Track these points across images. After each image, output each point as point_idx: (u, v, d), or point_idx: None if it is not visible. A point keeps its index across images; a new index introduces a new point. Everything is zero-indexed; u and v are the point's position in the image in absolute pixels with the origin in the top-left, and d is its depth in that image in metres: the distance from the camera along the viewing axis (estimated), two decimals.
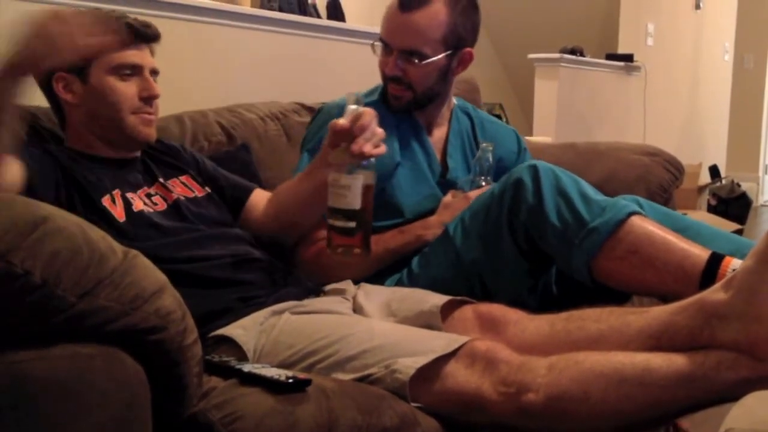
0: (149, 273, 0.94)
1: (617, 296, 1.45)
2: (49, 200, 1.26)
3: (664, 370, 1.09)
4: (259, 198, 1.67)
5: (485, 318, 1.33)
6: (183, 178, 1.59)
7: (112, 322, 0.88)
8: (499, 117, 4.07)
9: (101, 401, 0.85)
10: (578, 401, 1.10)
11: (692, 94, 6.02)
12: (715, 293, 1.12)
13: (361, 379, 1.19)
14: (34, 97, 1.55)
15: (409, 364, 1.16)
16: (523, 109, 5.10)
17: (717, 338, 1.10)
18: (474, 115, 1.93)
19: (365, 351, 1.21)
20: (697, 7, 5.83)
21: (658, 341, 1.15)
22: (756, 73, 7.44)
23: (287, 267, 1.56)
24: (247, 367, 1.11)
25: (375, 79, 1.83)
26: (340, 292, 1.49)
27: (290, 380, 1.06)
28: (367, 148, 1.30)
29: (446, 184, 1.78)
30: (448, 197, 1.70)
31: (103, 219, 1.36)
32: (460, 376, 1.16)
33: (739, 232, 4.75)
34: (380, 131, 1.34)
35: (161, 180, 1.54)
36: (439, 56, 1.69)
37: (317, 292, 1.50)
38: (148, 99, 1.49)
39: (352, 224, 1.29)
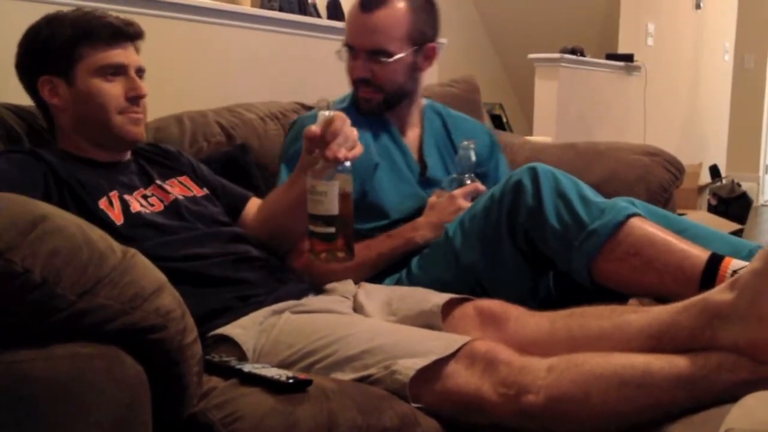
0: (148, 272, 0.94)
1: (616, 298, 1.45)
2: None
3: (665, 372, 1.09)
4: (254, 206, 1.67)
5: (486, 314, 1.33)
6: (181, 178, 1.59)
7: (111, 321, 0.88)
8: (499, 117, 4.08)
9: (101, 401, 0.85)
10: (578, 403, 1.10)
11: (692, 94, 6.02)
12: (719, 294, 1.11)
13: (360, 380, 1.18)
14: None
15: (408, 366, 1.16)
16: (523, 109, 5.10)
17: (718, 339, 1.10)
18: (445, 114, 1.95)
19: (364, 351, 1.20)
20: (698, 6, 5.83)
21: (659, 341, 1.14)
22: (756, 73, 7.44)
23: (286, 265, 1.56)
24: (247, 367, 1.11)
25: None
26: (341, 291, 1.49)
27: (290, 380, 1.06)
28: (341, 153, 1.28)
29: (426, 182, 1.80)
30: (433, 198, 1.70)
31: (101, 221, 1.34)
32: (460, 377, 1.16)
33: (740, 231, 4.75)
34: (353, 133, 1.33)
35: (158, 182, 1.53)
36: (405, 53, 1.73)
37: (317, 290, 1.50)
38: (135, 99, 1.46)
39: (332, 229, 1.30)
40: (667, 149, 2.30)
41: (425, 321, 1.34)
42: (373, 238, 1.65)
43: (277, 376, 1.07)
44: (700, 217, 4.75)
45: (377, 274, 1.62)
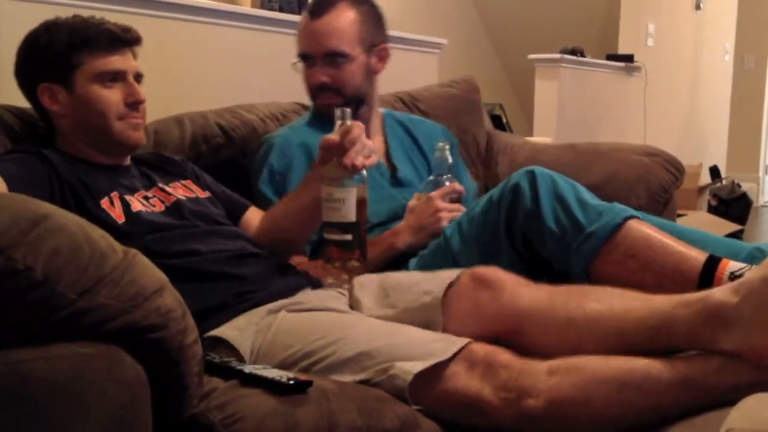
0: (149, 272, 0.94)
1: None
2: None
3: (666, 375, 1.09)
4: (254, 215, 1.68)
5: (479, 279, 1.29)
6: (184, 182, 1.60)
7: (111, 320, 0.88)
8: (499, 117, 4.08)
9: (101, 401, 0.85)
10: (579, 407, 1.10)
11: (692, 95, 6.02)
12: (722, 294, 1.10)
13: (360, 382, 1.18)
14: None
15: (407, 369, 1.15)
16: (524, 109, 5.10)
17: (717, 342, 1.09)
18: (405, 119, 2.00)
19: (362, 354, 1.20)
20: (698, 7, 5.83)
21: (657, 334, 1.13)
22: (756, 73, 7.44)
23: (285, 261, 1.56)
24: (248, 368, 1.11)
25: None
26: (337, 285, 1.47)
27: (291, 381, 1.06)
28: (359, 161, 1.33)
29: (399, 183, 1.83)
30: (412, 201, 1.71)
31: (102, 221, 1.35)
32: (460, 379, 1.16)
33: (740, 232, 4.75)
34: (369, 143, 1.38)
35: (160, 184, 1.54)
36: (359, 54, 1.77)
37: (314, 284, 1.48)
38: (134, 104, 1.48)
39: (349, 237, 1.32)
40: (667, 150, 2.30)
41: (425, 315, 1.32)
42: None
43: (278, 377, 1.07)
44: (700, 218, 4.75)
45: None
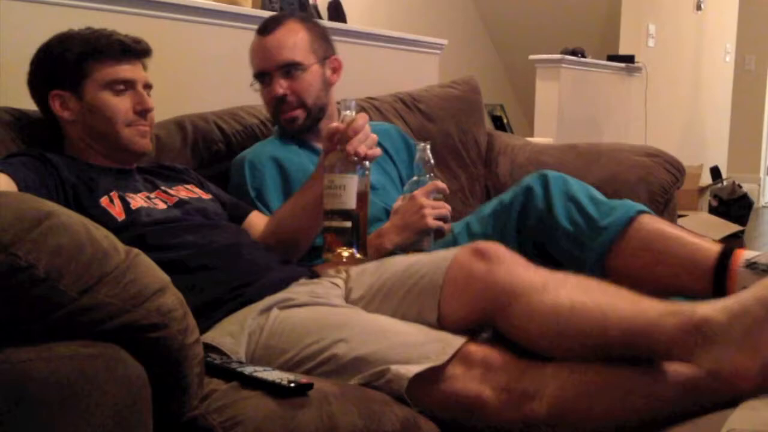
0: (151, 272, 0.94)
1: None
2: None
3: (669, 381, 1.09)
4: (257, 219, 1.69)
5: (478, 250, 1.27)
6: (188, 186, 1.63)
7: (112, 319, 0.88)
8: (500, 118, 4.08)
9: (101, 401, 0.85)
10: (581, 411, 1.10)
11: (693, 96, 6.02)
12: (711, 310, 1.08)
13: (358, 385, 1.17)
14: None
15: (402, 374, 1.14)
16: (524, 110, 5.10)
17: (695, 356, 1.07)
18: None
19: (357, 359, 1.18)
20: (698, 8, 5.83)
21: (637, 339, 1.11)
22: (757, 74, 7.43)
23: (284, 257, 1.55)
24: (248, 370, 1.10)
25: (378, 80, 1.84)
26: (333, 276, 1.46)
27: (292, 384, 1.05)
28: (362, 148, 1.35)
29: (372, 187, 1.80)
30: (398, 202, 1.71)
31: (102, 219, 1.35)
32: (458, 381, 1.15)
33: (741, 233, 4.75)
34: (374, 136, 1.39)
35: (162, 188, 1.57)
36: (313, 63, 1.81)
37: (309, 274, 1.47)
38: (142, 112, 1.52)
39: (348, 224, 1.32)
40: (668, 150, 2.30)
41: (421, 301, 1.30)
42: None
43: (279, 380, 1.06)
44: (701, 219, 4.76)
45: None
